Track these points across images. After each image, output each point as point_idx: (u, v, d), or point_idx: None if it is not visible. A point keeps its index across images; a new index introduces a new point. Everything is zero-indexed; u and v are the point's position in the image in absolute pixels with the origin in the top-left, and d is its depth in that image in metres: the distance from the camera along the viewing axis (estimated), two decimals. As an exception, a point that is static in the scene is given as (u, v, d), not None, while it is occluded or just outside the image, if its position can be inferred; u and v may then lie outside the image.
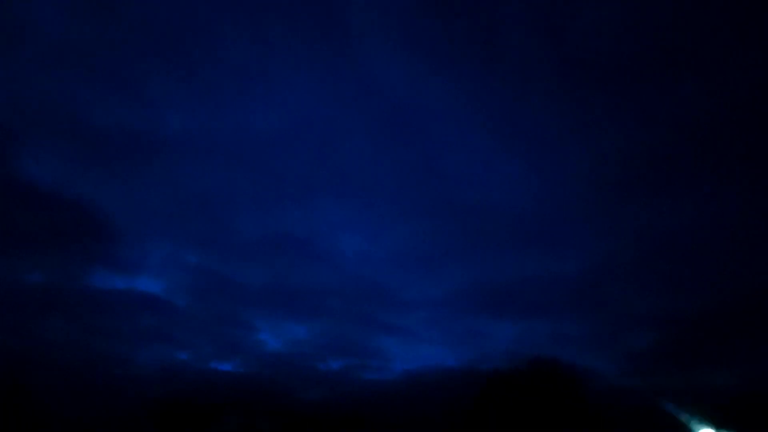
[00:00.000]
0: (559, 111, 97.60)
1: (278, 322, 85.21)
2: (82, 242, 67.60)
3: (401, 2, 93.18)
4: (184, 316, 66.32)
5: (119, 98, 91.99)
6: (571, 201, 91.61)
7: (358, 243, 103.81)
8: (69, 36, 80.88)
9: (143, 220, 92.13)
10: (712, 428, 21.35)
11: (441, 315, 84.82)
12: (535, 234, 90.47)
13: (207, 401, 38.75)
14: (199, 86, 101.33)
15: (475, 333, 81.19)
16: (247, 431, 36.35)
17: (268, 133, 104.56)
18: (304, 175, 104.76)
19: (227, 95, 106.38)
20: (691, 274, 71.56)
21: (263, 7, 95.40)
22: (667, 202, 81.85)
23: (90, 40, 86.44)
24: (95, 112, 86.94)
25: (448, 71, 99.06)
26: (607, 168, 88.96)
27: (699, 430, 21.89)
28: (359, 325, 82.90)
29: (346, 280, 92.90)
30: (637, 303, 66.28)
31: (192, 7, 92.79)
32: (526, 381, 31.96)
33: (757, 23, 72.13)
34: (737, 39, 76.06)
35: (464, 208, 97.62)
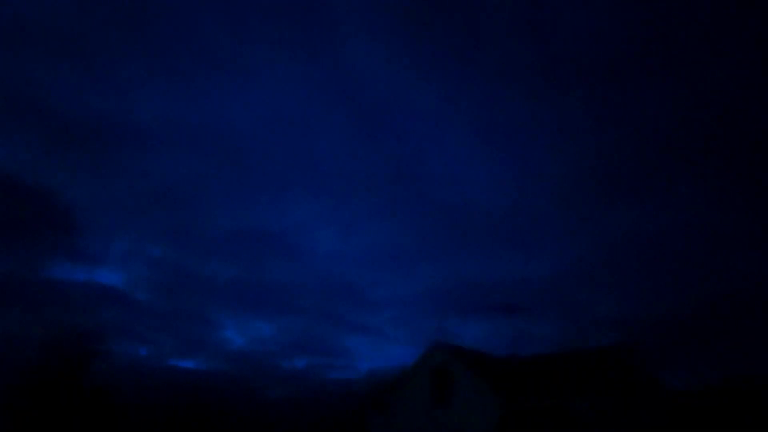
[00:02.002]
0: (537, 112, 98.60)
1: (244, 319, 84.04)
2: (41, 232, 65.48)
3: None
4: (145, 310, 64.73)
5: (87, 83, 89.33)
6: (545, 203, 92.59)
7: (330, 240, 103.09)
8: (34, 17, 78.17)
9: (106, 210, 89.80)
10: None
11: (409, 314, 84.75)
12: (508, 235, 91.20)
13: (166, 399, 37.81)
14: (172, 74, 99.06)
15: (442, 332, 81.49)
16: (208, 429, 35.56)
17: (242, 126, 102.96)
18: (278, 169, 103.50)
19: (202, 85, 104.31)
20: (659, 279, 72.97)
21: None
22: (639, 207, 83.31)
23: (57, 21, 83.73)
24: (60, 96, 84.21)
25: (428, 69, 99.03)
26: (581, 171, 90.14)
27: None
28: (327, 323, 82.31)
29: (315, 278, 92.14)
30: (603, 306, 67.22)
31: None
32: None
33: (736, 28, 73.81)
34: (716, 42, 77.74)
35: (438, 206, 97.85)
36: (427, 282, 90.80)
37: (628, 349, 19.67)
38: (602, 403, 17.00)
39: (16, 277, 59.38)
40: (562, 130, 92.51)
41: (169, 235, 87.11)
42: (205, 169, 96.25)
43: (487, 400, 18.96)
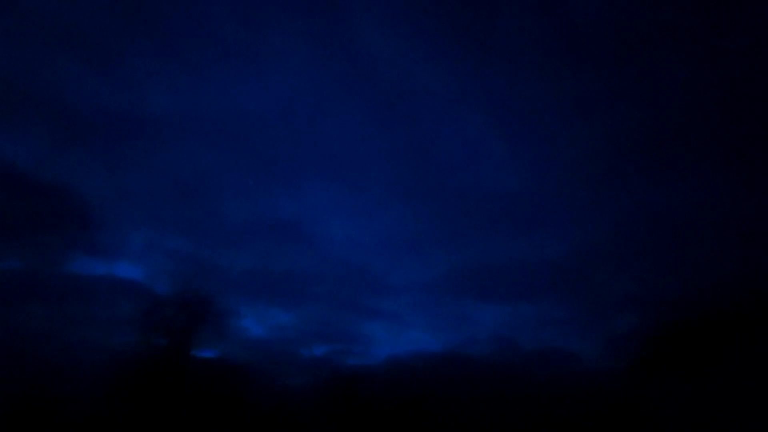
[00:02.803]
0: (549, 95, 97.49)
1: (262, 308, 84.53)
2: (61, 227, 66.02)
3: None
4: (165, 302, 65.11)
5: (101, 77, 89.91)
6: (558, 185, 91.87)
7: (346, 227, 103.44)
8: (48, 12, 78.51)
9: (124, 205, 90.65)
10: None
11: (426, 299, 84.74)
12: (523, 218, 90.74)
13: (187, 387, 38.05)
14: (184, 65, 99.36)
15: (460, 317, 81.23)
16: (229, 419, 35.76)
17: (255, 115, 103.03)
18: (292, 158, 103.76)
19: (214, 75, 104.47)
20: (675, 258, 71.85)
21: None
22: (653, 187, 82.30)
23: (72, 18, 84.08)
24: (75, 92, 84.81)
25: (441, 54, 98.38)
26: (594, 152, 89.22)
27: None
28: (344, 310, 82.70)
29: (332, 265, 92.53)
30: (620, 286, 66.52)
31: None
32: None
33: (756, 4, 71.78)
34: (734, 19, 75.77)
35: (453, 191, 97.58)
36: (443, 267, 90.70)
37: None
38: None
39: (37, 273, 60.19)
40: (576, 111, 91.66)
41: (187, 226, 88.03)
42: (220, 159, 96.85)
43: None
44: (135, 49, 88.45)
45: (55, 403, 35.15)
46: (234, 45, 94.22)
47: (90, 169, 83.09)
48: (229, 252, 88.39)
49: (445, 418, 33.28)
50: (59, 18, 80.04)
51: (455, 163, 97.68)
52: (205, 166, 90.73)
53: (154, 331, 30.75)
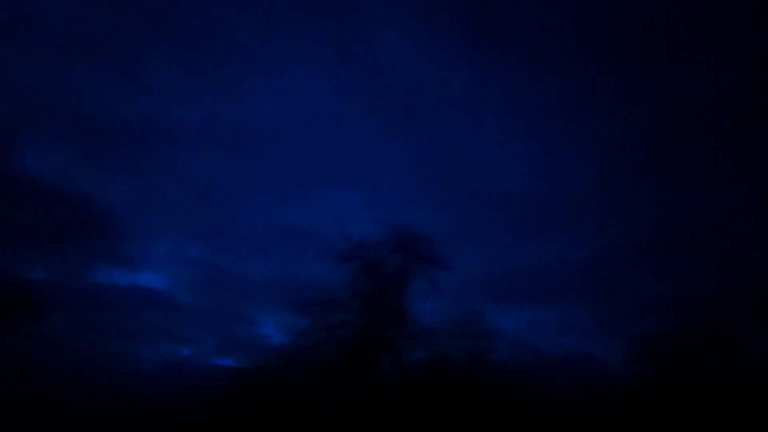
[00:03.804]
0: (571, 97, 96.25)
1: (282, 316, 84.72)
2: (84, 238, 67.15)
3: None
4: (187, 311, 66.08)
5: (122, 88, 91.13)
6: (581, 187, 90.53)
7: (364, 234, 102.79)
8: (69, 25, 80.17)
9: (146, 214, 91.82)
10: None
11: (446, 304, 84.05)
12: (544, 221, 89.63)
13: (209, 397, 38.37)
14: (203, 74, 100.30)
15: (480, 321, 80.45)
16: (251, 426, 35.94)
17: (273, 122, 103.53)
18: (310, 165, 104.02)
19: (232, 83, 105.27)
20: (700, 259, 70.55)
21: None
22: (678, 188, 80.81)
23: (90, 28, 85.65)
24: (96, 103, 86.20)
25: (460, 54, 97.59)
26: (618, 152, 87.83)
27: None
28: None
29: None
30: (645, 289, 65.54)
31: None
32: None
33: None
34: (758, 18, 74.24)
35: (473, 194, 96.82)
36: (463, 271, 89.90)
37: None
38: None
39: (60, 284, 61.24)
40: (599, 112, 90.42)
41: (207, 235, 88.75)
42: (238, 167, 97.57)
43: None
44: (155, 60, 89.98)
45: (80, 412, 35.66)
46: (252, 54, 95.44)
47: (112, 180, 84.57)
48: (249, 260, 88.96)
49: (465, 423, 33.02)
50: (81, 30, 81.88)
51: (475, 167, 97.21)
52: (223, 174, 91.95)
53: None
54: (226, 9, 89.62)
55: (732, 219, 70.24)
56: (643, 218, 79.03)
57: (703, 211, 72.14)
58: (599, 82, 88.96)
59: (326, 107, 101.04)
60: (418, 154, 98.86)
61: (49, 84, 76.35)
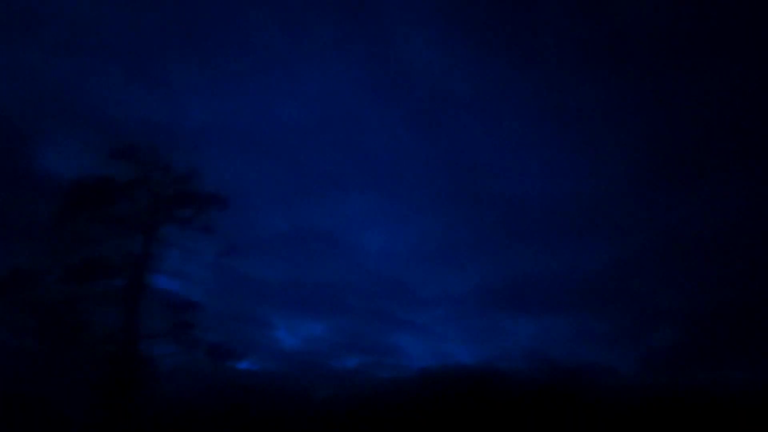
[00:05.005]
0: (590, 103, 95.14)
1: (295, 319, 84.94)
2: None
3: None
4: (201, 313, 66.39)
5: (143, 90, 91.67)
6: (598, 195, 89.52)
7: (380, 238, 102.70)
8: (88, 24, 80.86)
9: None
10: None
11: (460, 311, 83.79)
12: (560, 228, 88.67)
13: (223, 399, 38.62)
14: (222, 76, 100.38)
15: (494, 330, 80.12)
16: (262, 429, 36.18)
17: (291, 124, 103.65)
18: (327, 168, 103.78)
19: (250, 85, 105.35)
20: (716, 270, 69.63)
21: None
22: (696, 197, 79.61)
23: (110, 27, 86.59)
24: (118, 103, 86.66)
25: (479, 59, 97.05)
26: (636, 162, 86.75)
27: None
28: (377, 322, 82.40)
29: (366, 277, 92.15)
30: (660, 299, 64.86)
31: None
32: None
33: None
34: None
35: (490, 200, 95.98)
36: (480, 278, 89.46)
37: None
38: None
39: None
40: (618, 119, 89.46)
41: (221, 237, 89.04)
42: (254, 169, 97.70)
43: None
44: (175, 60, 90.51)
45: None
46: (273, 56, 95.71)
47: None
48: (263, 263, 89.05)
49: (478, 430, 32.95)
50: (100, 29, 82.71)
51: (493, 172, 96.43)
52: (239, 176, 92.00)
53: None
54: (248, 10, 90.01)
55: (750, 230, 69.26)
56: (659, 228, 78.15)
57: (722, 222, 71.21)
58: (619, 92, 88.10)
59: (345, 111, 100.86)
60: (436, 158, 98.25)
61: (68, 83, 77.22)
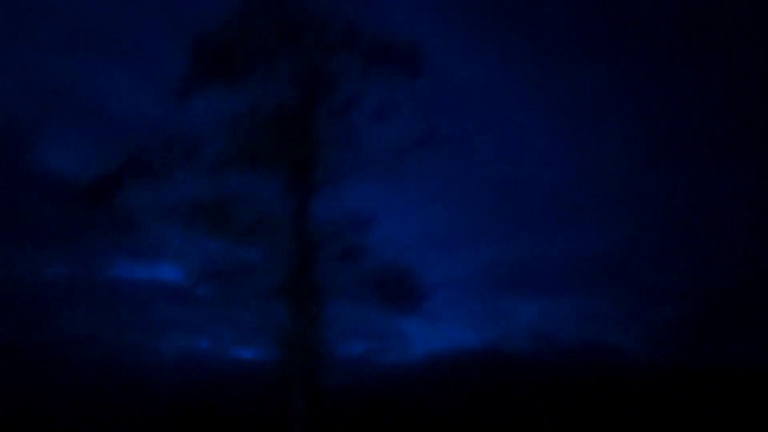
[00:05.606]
0: (598, 85, 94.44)
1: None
2: (105, 232, 67.69)
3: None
4: (204, 303, 66.50)
5: (144, 87, 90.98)
6: (603, 177, 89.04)
7: (383, 222, 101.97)
8: (89, 17, 79.99)
9: (164, 206, 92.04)
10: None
11: (463, 294, 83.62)
12: (565, 208, 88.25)
13: (228, 389, 38.66)
14: (221, 73, 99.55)
15: (499, 312, 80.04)
16: (270, 418, 36.20)
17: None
18: (333, 157, 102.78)
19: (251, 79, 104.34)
20: (721, 248, 69.43)
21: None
22: (700, 178, 79.22)
23: (112, 24, 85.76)
24: (120, 100, 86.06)
25: (485, 43, 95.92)
26: (640, 142, 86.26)
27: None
28: (380, 307, 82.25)
29: (368, 261, 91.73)
30: (667, 277, 64.66)
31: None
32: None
33: None
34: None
35: (493, 182, 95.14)
36: (483, 261, 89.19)
37: None
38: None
39: (81, 279, 61.98)
40: (625, 102, 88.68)
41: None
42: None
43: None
44: (176, 57, 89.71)
45: (100, 406, 36.08)
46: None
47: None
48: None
49: (482, 415, 32.95)
50: (102, 26, 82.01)
51: (498, 155, 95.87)
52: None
53: None
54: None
55: (754, 208, 68.84)
56: (666, 208, 77.67)
57: (726, 200, 70.77)
58: (627, 75, 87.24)
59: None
60: (440, 142, 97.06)
61: (70, 80, 76.62)
